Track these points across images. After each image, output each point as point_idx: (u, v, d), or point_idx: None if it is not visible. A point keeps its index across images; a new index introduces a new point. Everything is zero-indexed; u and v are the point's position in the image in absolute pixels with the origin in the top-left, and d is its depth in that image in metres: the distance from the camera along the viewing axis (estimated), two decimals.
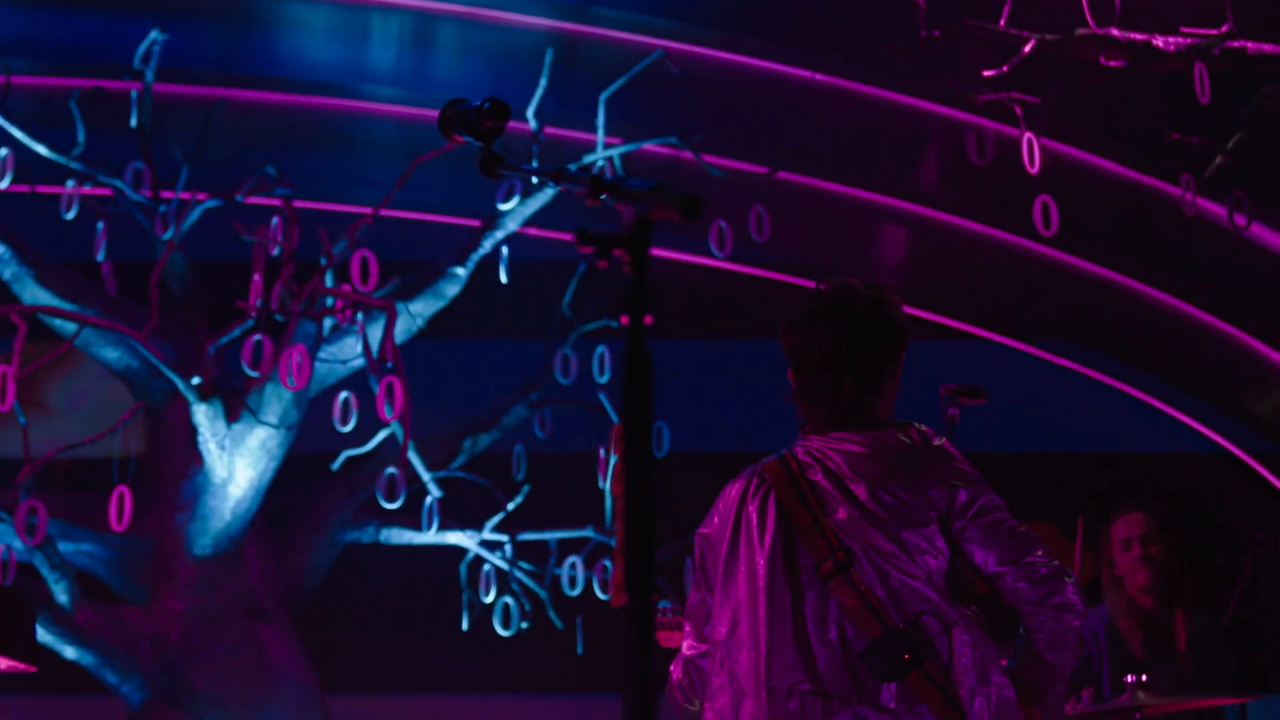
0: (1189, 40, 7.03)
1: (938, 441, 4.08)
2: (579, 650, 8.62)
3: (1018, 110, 7.02)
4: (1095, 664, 6.81)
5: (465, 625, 8.55)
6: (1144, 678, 6.27)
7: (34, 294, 7.93)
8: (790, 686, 3.92)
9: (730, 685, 4.02)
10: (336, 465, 8.19)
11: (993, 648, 3.99)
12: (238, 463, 7.89)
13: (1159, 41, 7.07)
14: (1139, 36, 7.10)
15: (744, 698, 3.99)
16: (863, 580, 3.93)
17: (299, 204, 7.99)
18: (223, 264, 8.35)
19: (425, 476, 8.14)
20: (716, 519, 4.19)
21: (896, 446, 4.04)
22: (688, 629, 4.27)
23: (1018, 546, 3.96)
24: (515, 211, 8.13)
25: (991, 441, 9.60)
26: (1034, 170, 6.93)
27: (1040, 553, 3.96)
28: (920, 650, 3.86)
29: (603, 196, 2.62)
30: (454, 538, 8.52)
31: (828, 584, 3.95)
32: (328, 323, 7.91)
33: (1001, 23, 7.09)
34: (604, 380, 8.51)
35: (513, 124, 3.10)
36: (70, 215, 7.99)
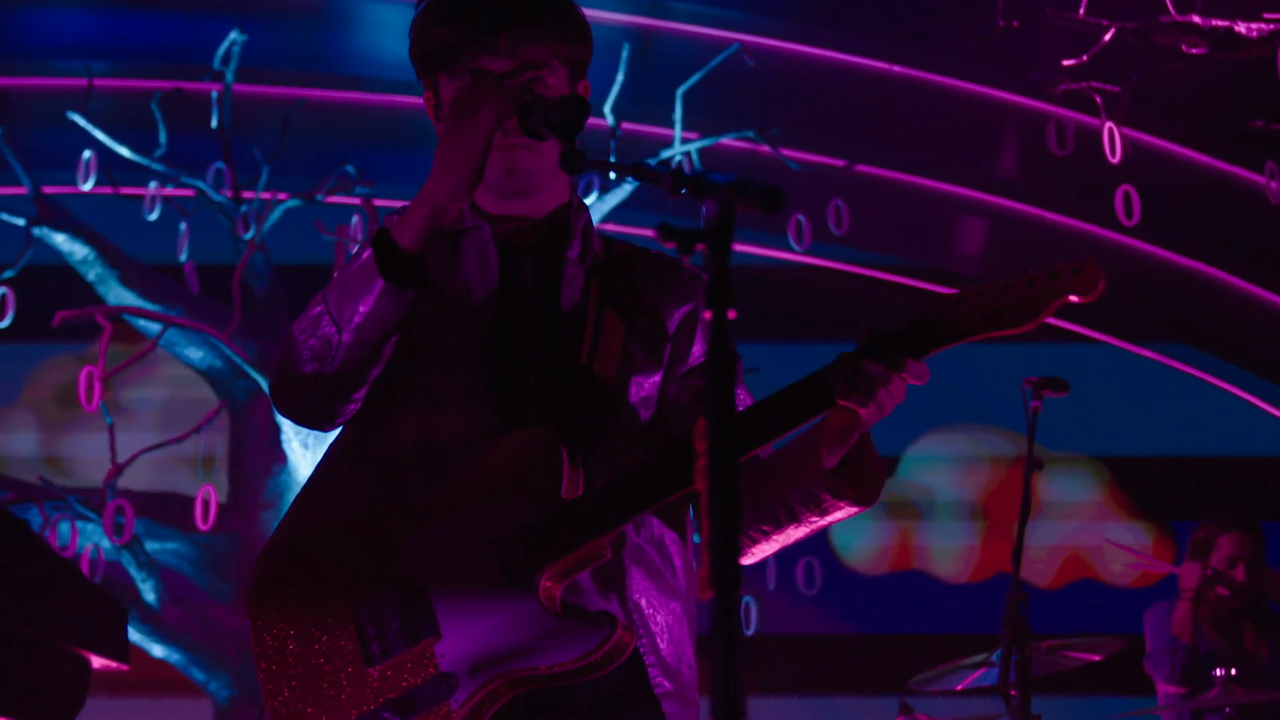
0: (1271, 26, 6.95)
1: None
2: None
3: (1098, 100, 6.96)
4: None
5: None
6: (1233, 672, 6.20)
7: (118, 295, 8.01)
8: None
9: None
10: None
11: None
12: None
13: (1241, 28, 6.99)
14: (1220, 23, 7.02)
15: None
16: None
17: (379, 202, 8.02)
18: (304, 264, 8.39)
19: None
20: None
21: None
22: None
23: None
24: (594, 207, 8.14)
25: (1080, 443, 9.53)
26: (1115, 160, 6.88)
27: None
28: None
29: (683, 191, 2.61)
30: None
31: None
32: None
33: (1081, 11, 7.03)
34: None
35: (590, 120, 3.10)
36: (153, 216, 8.06)
